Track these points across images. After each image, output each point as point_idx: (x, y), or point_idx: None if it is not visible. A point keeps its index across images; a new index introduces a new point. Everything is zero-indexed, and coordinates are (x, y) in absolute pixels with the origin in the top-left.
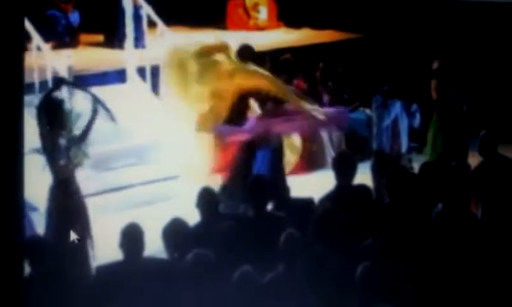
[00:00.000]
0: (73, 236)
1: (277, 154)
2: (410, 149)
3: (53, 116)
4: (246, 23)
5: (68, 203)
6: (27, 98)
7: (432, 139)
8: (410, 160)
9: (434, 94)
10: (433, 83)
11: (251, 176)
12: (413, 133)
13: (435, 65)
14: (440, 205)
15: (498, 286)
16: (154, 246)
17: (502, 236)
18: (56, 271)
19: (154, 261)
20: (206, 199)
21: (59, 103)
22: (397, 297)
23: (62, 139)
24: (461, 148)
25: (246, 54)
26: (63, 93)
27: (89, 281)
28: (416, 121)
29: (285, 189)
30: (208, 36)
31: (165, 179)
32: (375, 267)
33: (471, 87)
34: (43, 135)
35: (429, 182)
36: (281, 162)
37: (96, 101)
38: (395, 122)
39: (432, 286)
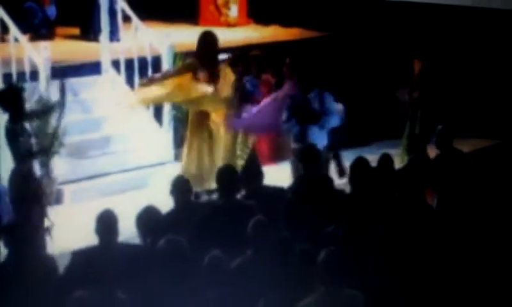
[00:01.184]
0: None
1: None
2: (335, 146)
3: (13, 104)
4: (218, 19)
5: (30, 189)
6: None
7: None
8: (335, 155)
9: (415, 94)
10: (415, 82)
11: (221, 166)
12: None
13: (416, 67)
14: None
15: (454, 270)
16: (128, 232)
17: (456, 224)
18: (27, 255)
19: (128, 247)
20: (180, 187)
21: (18, 91)
22: (358, 279)
23: (25, 127)
24: (422, 141)
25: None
26: (41, 84)
27: (53, 266)
28: (334, 122)
29: (260, 177)
30: (180, 32)
31: (139, 168)
32: (337, 251)
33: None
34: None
35: (387, 173)
36: (254, 150)
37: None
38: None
39: (391, 269)
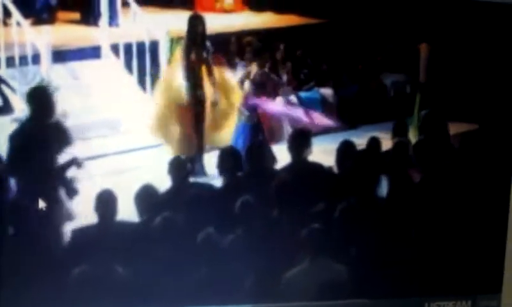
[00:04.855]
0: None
1: (258, 127)
2: None
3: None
4: (213, 6)
5: None
6: (9, 72)
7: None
8: None
9: (422, 77)
10: (422, 65)
11: (222, 148)
12: None
13: (424, 49)
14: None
15: (438, 249)
16: (126, 212)
17: (440, 203)
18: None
19: (125, 224)
20: (176, 166)
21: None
22: (344, 256)
23: None
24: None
25: None
26: (42, 67)
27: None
28: None
29: (270, 159)
30: (177, 18)
31: (135, 150)
32: (321, 227)
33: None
34: None
35: (373, 155)
36: (262, 134)
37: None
38: None
39: (373, 246)
